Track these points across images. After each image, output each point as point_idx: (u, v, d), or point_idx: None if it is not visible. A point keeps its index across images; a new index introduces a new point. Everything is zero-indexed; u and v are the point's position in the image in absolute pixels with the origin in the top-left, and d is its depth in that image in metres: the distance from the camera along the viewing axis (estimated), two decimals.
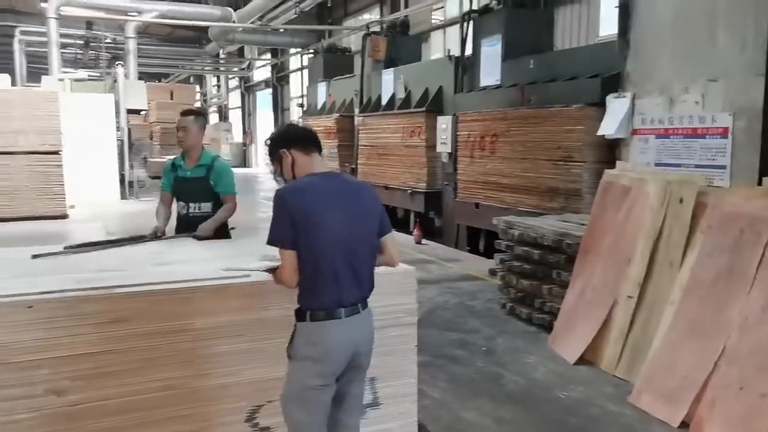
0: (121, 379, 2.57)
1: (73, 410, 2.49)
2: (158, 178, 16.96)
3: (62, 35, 16.74)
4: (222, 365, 2.74)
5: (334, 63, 15.46)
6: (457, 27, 13.05)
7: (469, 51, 9.68)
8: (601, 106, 6.47)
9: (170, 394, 2.66)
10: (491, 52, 8.94)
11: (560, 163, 7.17)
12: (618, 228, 4.47)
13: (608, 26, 9.67)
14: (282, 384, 2.38)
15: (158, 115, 22.38)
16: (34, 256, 3.21)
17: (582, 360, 4.37)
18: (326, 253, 2.26)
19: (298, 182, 2.38)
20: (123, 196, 14.45)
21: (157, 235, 3.93)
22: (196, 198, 3.95)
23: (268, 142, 2.53)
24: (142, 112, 19.69)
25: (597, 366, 4.29)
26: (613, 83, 6.39)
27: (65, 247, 3.46)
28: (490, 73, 8.95)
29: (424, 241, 9.40)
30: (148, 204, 13.96)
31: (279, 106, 25.13)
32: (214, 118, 31.99)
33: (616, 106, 6.19)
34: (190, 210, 3.94)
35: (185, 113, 4.12)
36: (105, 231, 10.35)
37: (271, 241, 2.28)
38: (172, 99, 23.92)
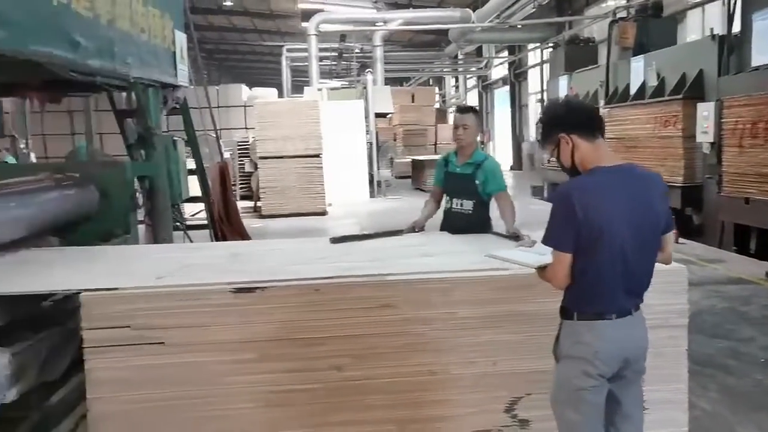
0: (391, 360, 2.77)
1: (351, 385, 2.75)
2: (403, 178, 17.83)
3: (320, 49, 18.54)
4: (482, 355, 2.81)
5: (575, 55, 14.88)
6: (718, 3, 11.74)
7: (736, 28, 8.64)
8: None
9: (434, 379, 2.79)
10: (766, 26, 7.87)
11: None
12: None
13: None
14: (549, 382, 2.32)
15: (401, 117, 23.58)
16: (332, 241, 3.61)
17: None
18: (609, 263, 2.11)
19: (585, 181, 2.18)
20: (372, 195, 15.51)
21: (413, 230, 4.12)
22: (459, 194, 4.03)
23: (542, 122, 2.34)
24: (388, 116, 20.97)
25: None
26: None
27: (330, 239, 3.82)
28: (764, 50, 7.89)
29: (681, 239, 8.62)
30: (394, 202, 14.84)
31: (517, 103, 24.95)
32: (452, 118, 32.79)
33: None
34: (453, 206, 4.05)
35: (463, 110, 4.11)
36: (359, 226, 11.27)
37: (548, 242, 2.17)
38: (413, 102, 25.02)
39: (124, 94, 5.71)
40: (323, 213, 12.63)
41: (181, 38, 5.33)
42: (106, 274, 3.00)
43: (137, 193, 4.84)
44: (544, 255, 2.24)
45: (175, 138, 5.48)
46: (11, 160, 12.31)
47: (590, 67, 13.79)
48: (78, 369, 3.47)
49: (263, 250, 3.62)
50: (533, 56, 23.25)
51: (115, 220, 4.57)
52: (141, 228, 5.13)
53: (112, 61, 3.92)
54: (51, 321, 3.37)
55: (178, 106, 5.46)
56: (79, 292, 2.64)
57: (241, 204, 14.21)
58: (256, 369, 2.70)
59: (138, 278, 2.88)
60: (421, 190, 16.90)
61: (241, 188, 15.15)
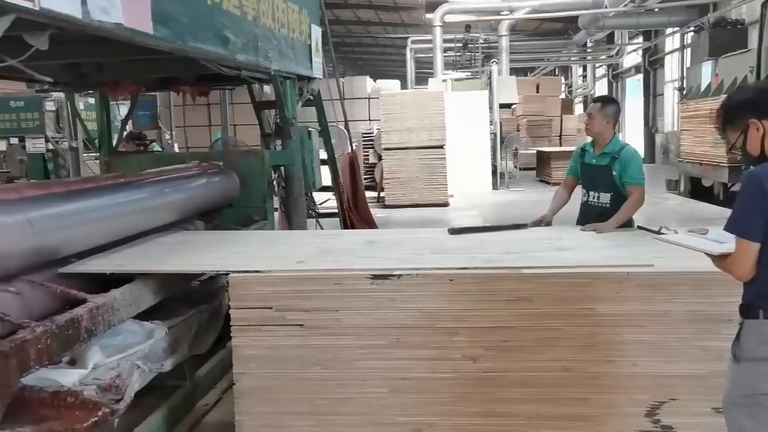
0: (525, 354, 2.72)
1: (484, 377, 2.73)
2: (527, 169, 17.43)
3: (444, 40, 18.49)
4: (622, 354, 2.69)
5: (721, 39, 13.80)
6: None
7: None
8: None
9: (569, 376, 2.72)
10: None
11: None
12: None
13: None
14: (700, 388, 2.19)
15: (525, 108, 23.04)
16: (451, 232, 3.62)
17: None
18: None
19: None
20: (494, 187, 15.30)
21: (539, 224, 4.00)
22: (595, 187, 3.88)
23: (729, 106, 2.17)
24: (513, 106, 20.57)
25: None
26: None
27: (449, 230, 3.79)
28: None
29: None
30: (517, 194, 14.57)
31: (651, 92, 23.57)
32: (579, 108, 31.63)
33: None
34: (590, 198, 3.91)
35: (594, 100, 4.09)
36: (481, 218, 11.17)
37: (733, 228, 2.02)
38: (537, 92, 24.37)
39: (266, 87, 6.01)
40: (445, 204, 12.63)
41: (316, 32, 5.51)
42: (251, 257, 3.18)
43: (274, 181, 5.08)
44: (724, 243, 2.07)
45: (310, 128, 5.69)
46: (157, 149, 13.33)
47: (739, 51, 12.73)
48: (220, 345, 3.73)
49: (397, 238, 3.68)
50: (671, 41, 21.83)
51: (253, 206, 4.83)
52: (276, 215, 5.38)
53: (255, 55, 4.13)
54: (199, 299, 3.63)
55: (312, 98, 5.65)
56: (228, 273, 2.81)
57: (366, 194, 14.55)
58: (390, 355, 2.75)
59: (280, 262, 3.02)
60: (545, 182, 16.46)
61: (364, 179, 15.45)
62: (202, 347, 3.43)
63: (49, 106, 10.60)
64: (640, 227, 3.60)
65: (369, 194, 14.50)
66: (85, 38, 2.95)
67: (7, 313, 2.29)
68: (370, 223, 7.01)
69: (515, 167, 18.45)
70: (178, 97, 14.11)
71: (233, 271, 2.81)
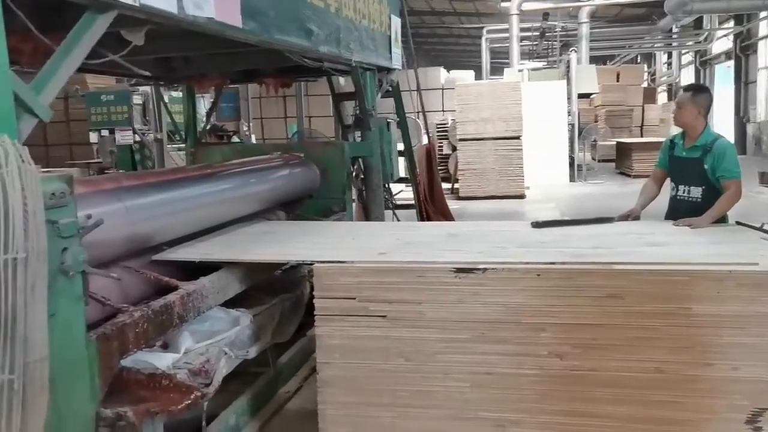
0: (615, 354, 2.62)
1: (571, 375, 2.65)
2: (606, 161, 16.89)
3: (521, 29, 18.10)
4: (721, 357, 2.55)
5: None
6: None
7: None
8: None
9: (663, 378, 2.60)
10: None
11: None
12: None
13: None
14: None
15: (604, 98, 22.29)
16: (534, 225, 3.54)
17: None
18: None
19: None
20: (572, 179, 14.91)
21: (626, 219, 3.85)
22: (686, 180, 3.70)
23: None
24: (592, 96, 19.97)
25: None
26: None
27: (532, 223, 3.69)
28: None
29: None
30: (595, 187, 14.14)
31: (742, 80, 22.32)
32: (662, 98, 30.35)
33: None
34: (679, 193, 3.73)
35: (685, 89, 3.90)
36: (558, 211, 10.90)
37: None
38: (618, 81, 23.53)
39: (341, 79, 6.05)
40: (521, 196, 12.41)
41: (395, 23, 5.49)
42: (334, 248, 3.20)
43: (352, 173, 5.11)
44: None
45: (389, 119, 5.69)
46: (236, 140, 13.71)
47: None
48: (301, 334, 3.79)
49: (479, 231, 3.62)
50: (765, 25, 20.58)
51: (333, 197, 4.88)
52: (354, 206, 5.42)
53: (337, 46, 4.15)
54: (282, 288, 3.70)
55: (391, 89, 5.65)
56: (313, 263, 2.84)
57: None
58: (474, 349, 2.71)
59: (362, 253, 3.03)
60: (626, 174, 15.90)
61: (439, 170, 15.39)
62: (285, 335, 3.49)
63: (137, 99, 11.09)
64: (738, 223, 3.40)
65: (443, 186, 14.47)
66: (177, 33, 3.04)
67: (108, 298, 2.39)
68: (446, 215, 6.96)
69: (593, 159, 17.89)
70: (255, 90, 14.47)
71: (318, 261, 2.84)
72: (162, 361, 2.49)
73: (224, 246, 3.28)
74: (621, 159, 16.86)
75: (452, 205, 11.58)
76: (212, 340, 2.85)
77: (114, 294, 2.53)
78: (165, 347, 2.78)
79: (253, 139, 16.87)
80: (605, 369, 2.64)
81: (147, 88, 10.13)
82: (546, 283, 2.65)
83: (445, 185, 14.25)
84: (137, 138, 11.04)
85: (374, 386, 2.81)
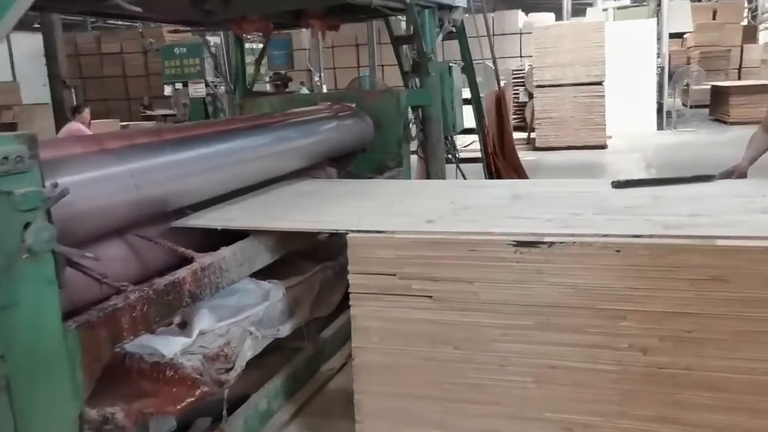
0: (717, 350, 2.10)
1: (658, 373, 2.15)
2: (699, 107, 15.55)
3: None
4: None
5: None
6: None
7: None
8: None
9: None
10: None
11: None
12: None
13: None
14: None
15: (698, 38, 20.46)
16: (616, 185, 3.00)
17: None
18: None
19: None
20: (659, 127, 13.80)
21: (730, 176, 3.22)
22: None
23: None
24: (685, 35, 18.38)
25: None
26: None
27: (613, 183, 3.12)
28: None
29: None
30: (686, 135, 12.99)
31: None
32: (764, 36, 27.73)
33: None
34: None
35: None
36: (644, 162, 10.02)
37: None
38: (714, 19, 21.56)
39: (403, 23, 5.51)
40: (603, 146, 11.53)
41: None
42: (377, 213, 2.78)
43: (411, 124, 4.64)
44: None
45: (451, 64, 5.12)
46: (305, 91, 13.38)
47: None
48: (346, 304, 3.42)
49: (549, 192, 3.09)
50: None
51: (388, 151, 4.44)
52: (414, 160, 4.96)
53: None
54: (325, 255, 3.33)
55: (454, 30, 5.07)
56: (347, 233, 2.43)
57: (515, 135, 13.71)
58: (537, 338, 2.25)
59: (408, 219, 2.59)
60: (721, 121, 14.57)
61: (514, 119, 14.65)
62: (326, 309, 3.14)
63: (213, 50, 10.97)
64: None
65: (518, 136, 13.68)
66: None
67: (105, 275, 2.07)
68: (517, 170, 6.36)
69: (684, 105, 16.50)
70: (328, 39, 13.97)
71: (352, 230, 2.43)
72: (170, 347, 2.17)
73: (253, 210, 2.92)
74: (716, 104, 15.47)
75: (528, 156, 10.91)
76: (235, 318, 2.52)
77: (118, 269, 2.22)
78: (183, 326, 2.48)
79: (324, 89, 16.50)
80: (702, 368, 2.12)
81: (217, 40, 9.90)
82: (628, 261, 2.13)
83: (521, 135, 13.50)
84: (209, 90, 10.95)
85: (419, 377, 2.41)
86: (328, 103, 4.39)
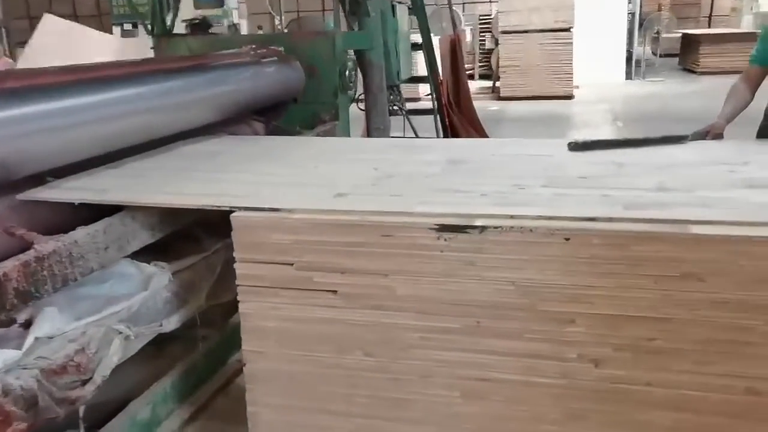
0: (685, 362, 1.68)
1: (613, 389, 1.73)
2: (668, 56, 15.21)
3: None
4: None
5: None
6: None
7: None
8: None
9: (759, 402, 1.66)
10: None
11: None
12: None
13: None
14: None
15: None
16: (573, 147, 2.53)
17: None
18: None
19: None
20: (628, 77, 13.40)
21: (704, 137, 2.78)
22: None
23: None
24: None
25: None
26: None
27: (569, 145, 2.65)
28: None
29: None
30: (655, 86, 12.60)
31: None
32: None
33: None
34: None
35: None
36: (611, 115, 9.61)
37: None
38: None
39: None
40: (569, 96, 11.10)
41: None
42: (281, 182, 2.27)
43: (349, 71, 4.08)
44: None
45: (393, 2, 4.53)
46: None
47: None
48: None
49: (492, 156, 2.60)
50: None
51: (322, 101, 3.91)
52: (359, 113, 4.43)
53: None
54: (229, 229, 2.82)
55: None
56: (231, 211, 1.92)
57: (480, 84, 13.16)
58: (466, 345, 1.80)
59: (314, 193, 2.09)
60: (690, 71, 14.23)
61: (480, 67, 14.09)
62: (229, 294, 2.63)
63: None
64: None
65: (484, 84, 13.16)
66: None
67: None
68: (473, 123, 5.86)
69: (653, 54, 16.08)
70: None
71: (237, 207, 1.93)
72: None
73: (134, 178, 2.38)
74: (686, 53, 15.12)
75: (491, 106, 10.42)
76: (98, 315, 2.01)
77: None
78: (28, 326, 1.97)
79: None
80: (666, 384, 1.70)
81: None
82: (579, 251, 1.68)
83: (487, 83, 12.97)
84: None
85: (323, 387, 1.96)
86: (252, 46, 3.79)
